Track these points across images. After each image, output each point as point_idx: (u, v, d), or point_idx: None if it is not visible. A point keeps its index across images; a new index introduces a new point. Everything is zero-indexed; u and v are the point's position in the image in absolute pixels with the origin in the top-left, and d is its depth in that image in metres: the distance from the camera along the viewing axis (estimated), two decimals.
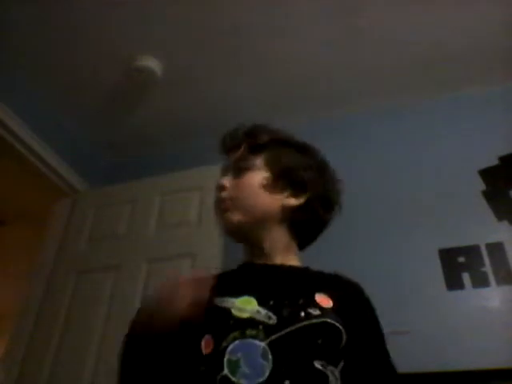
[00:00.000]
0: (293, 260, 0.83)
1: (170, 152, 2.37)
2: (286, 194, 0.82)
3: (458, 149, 1.86)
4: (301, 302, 0.69)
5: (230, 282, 0.78)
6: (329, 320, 0.68)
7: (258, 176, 0.82)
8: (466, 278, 1.57)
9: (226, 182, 0.85)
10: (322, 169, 0.89)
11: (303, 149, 0.91)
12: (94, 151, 2.41)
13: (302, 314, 0.67)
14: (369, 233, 1.76)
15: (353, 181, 1.91)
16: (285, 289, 0.73)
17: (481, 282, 1.54)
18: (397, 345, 1.36)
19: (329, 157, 2.26)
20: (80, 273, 1.89)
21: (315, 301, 0.70)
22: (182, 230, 1.81)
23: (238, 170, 0.85)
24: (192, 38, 1.86)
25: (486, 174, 1.75)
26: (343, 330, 0.68)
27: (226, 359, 0.62)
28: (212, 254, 1.70)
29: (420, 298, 1.56)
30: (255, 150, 0.86)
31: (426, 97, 2.04)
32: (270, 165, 0.84)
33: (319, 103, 2.14)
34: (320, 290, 0.72)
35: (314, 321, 0.67)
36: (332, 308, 0.70)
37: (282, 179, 0.82)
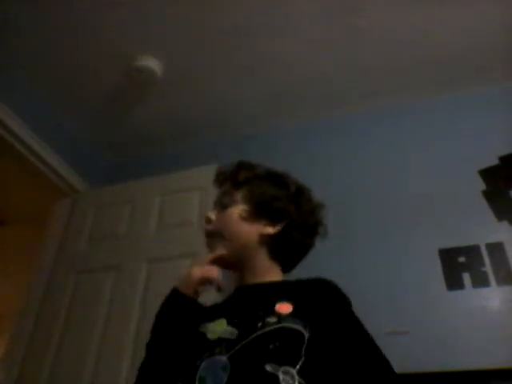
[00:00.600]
0: (275, 277, 0.91)
1: (170, 152, 2.37)
2: (263, 223, 0.91)
3: (457, 149, 1.86)
4: (261, 313, 0.77)
5: (212, 310, 0.88)
6: (285, 324, 0.73)
7: (238, 209, 0.92)
8: (466, 277, 1.57)
9: (212, 214, 0.95)
10: (297, 197, 0.97)
11: (278, 181, 0.99)
12: (94, 151, 2.41)
13: (260, 324, 0.74)
14: (369, 233, 1.76)
15: (353, 181, 1.93)
16: (249, 305, 0.81)
17: (481, 281, 1.54)
18: (397, 345, 1.37)
19: (329, 157, 2.27)
20: (80, 273, 1.89)
21: (274, 310, 0.77)
22: (182, 230, 1.81)
23: (222, 204, 0.95)
24: (192, 38, 1.86)
25: (486, 174, 1.75)
26: (303, 330, 0.73)
27: (197, 376, 0.73)
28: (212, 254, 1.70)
29: (420, 298, 1.56)
30: (236, 186, 0.96)
31: (425, 97, 2.04)
32: (248, 198, 0.94)
33: (319, 103, 2.14)
34: (282, 299, 0.79)
35: (269, 328, 0.73)
36: (291, 312, 0.76)
37: (258, 210, 0.92)
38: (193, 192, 1.90)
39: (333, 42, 1.86)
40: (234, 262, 0.91)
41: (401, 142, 1.98)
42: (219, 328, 0.78)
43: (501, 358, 1.36)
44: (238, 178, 0.96)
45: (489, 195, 1.70)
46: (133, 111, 2.22)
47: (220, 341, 0.76)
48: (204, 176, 1.92)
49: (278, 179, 0.99)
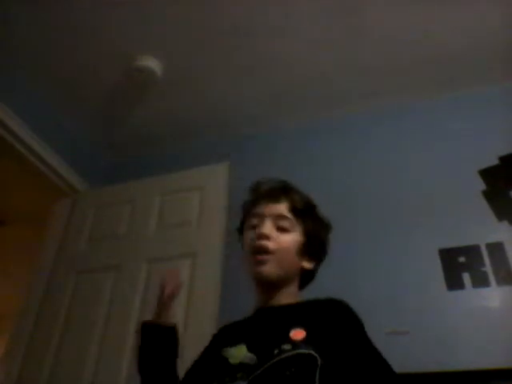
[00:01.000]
0: (291, 298, 0.95)
1: (170, 152, 2.37)
2: (306, 258, 0.97)
3: (457, 149, 1.86)
4: (277, 340, 0.80)
5: (233, 333, 0.93)
6: (299, 351, 0.76)
7: (296, 240, 0.96)
8: (466, 277, 1.56)
9: (271, 232, 0.94)
10: (327, 234, 1.03)
11: (325, 221, 1.04)
12: (94, 151, 2.41)
13: (276, 351, 0.78)
14: (369, 233, 1.76)
15: (353, 181, 1.93)
16: (266, 331, 0.85)
17: (481, 281, 1.54)
18: (397, 345, 1.37)
19: (329, 157, 2.27)
20: (80, 273, 1.89)
21: (289, 337, 0.80)
22: (182, 230, 1.81)
23: (280, 227, 0.96)
24: (192, 38, 1.86)
25: (486, 174, 1.75)
26: (316, 355, 0.76)
27: None
28: (212, 254, 1.70)
29: (420, 298, 1.56)
30: (296, 213, 0.98)
31: (425, 97, 2.04)
32: (306, 233, 0.97)
33: (319, 103, 2.14)
34: (296, 325, 0.82)
35: (285, 355, 0.77)
36: (304, 339, 0.79)
37: (309, 247, 0.97)
38: (193, 192, 1.90)
39: (333, 42, 1.86)
40: (271, 284, 0.94)
41: (401, 141, 1.98)
42: (240, 353, 0.82)
43: (501, 358, 1.36)
44: (297, 205, 0.98)
45: (489, 195, 1.70)
46: (133, 111, 2.22)
47: (241, 366, 0.80)
48: (204, 176, 1.92)
49: (325, 221, 1.04)
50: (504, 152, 1.76)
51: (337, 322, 0.83)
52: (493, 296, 1.52)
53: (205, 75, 2.03)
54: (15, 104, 1.89)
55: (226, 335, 0.94)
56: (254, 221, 0.97)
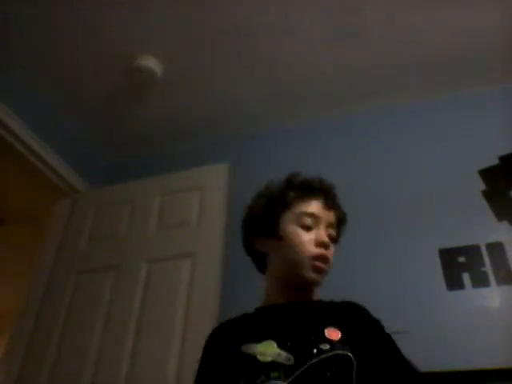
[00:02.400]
0: (315, 295, 0.95)
1: (170, 152, 2.37)
2: None
3: (457, 149, 1.86)
4: (313, 339, 0.78)
5: (251, 327, 0.88)
6: (338, 352, 0.76)
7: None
8: (466, 277, 1.56)
9: (327, 241, 0.93)
10: None
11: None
12: (94, 151, 2.41)
13: (315, 350, 0.76)
14: (369, 233, 1.76)
15: (353, 181, 1.93)
16: (298, 329, 0.82)
17: (481, 281, 1.54)
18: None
19: (329, 157, 2.27)
20: (80, 273, 1.89)
21: (325, 336, 0.79)
22: (182, 230, 1.81)
23: (331, 237, 0.96)
24: (192, 38, 1.86)
25: (486, 174, 1.75)
26: (352, 356, 0.76)
27: None
28: (212, 254, 1.70)
29: (420, 298, 1.56)
30: (340, 226, 1.00)
31: (425, 97, 2.05)
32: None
33: (319, 103, 2.14)
34: (329, 324, 0.82)
35: (325, 355, 0.75)
36: (340, 339, 0.78)
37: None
38: (193, 192, 1.90)
39: (333, 42, 1.86)
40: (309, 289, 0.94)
41: (401, 141, 1.98)
42: (270, 350, 0.78)
43: (501, 357, 1.36)
44: (342, 218, 1.00)
45: (489, 195, 1.70)
46: (133, 111, 2.22)
47: (275, 365, 0.76)
48: (204, 176, 1.92)
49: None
50: (504, 152, 1.76)
51: (365, 324, 0.85)
52: (493, 296, 1.52)
53: (205, 75, 2.03)
54: (15, 104, 1.89)
55: (240, 331, 0.88)
56: (309, 221, 0.93)
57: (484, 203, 1.69)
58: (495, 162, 1.76)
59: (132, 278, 1.77)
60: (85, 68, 2.00)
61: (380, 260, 1.69)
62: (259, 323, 0.88)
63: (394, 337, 0.89)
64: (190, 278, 1.67)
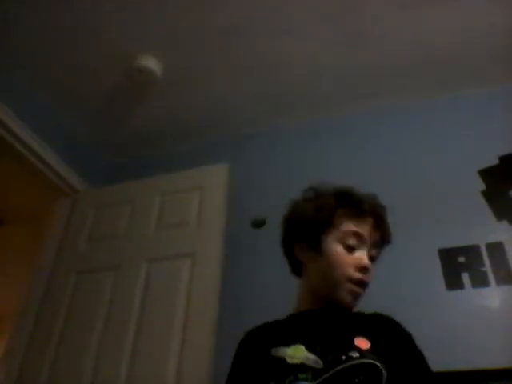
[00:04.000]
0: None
1: (170, 152, 2.37)
2: None
3: (457, 149, 1.86)
4: (342, 346, 0.80)
5: (282, 332, 0.90)
6: (367, 360, 0.77)
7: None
8: (465, 277, 1.56)
9: (371, 266, 0.94)
10: None
11: None
12: (94, 151, 2.41)
13: (344, 357, 0.77)
14: None
15: (353, 181, 1.92)
16: (329, 335, 0.84)
17: (480, 281, 1.54)
18: None
19: (329, 157, 2.27)
20: (80, 273, 1.89)
21: (354, 344, 0.80)
22: (181, 230, 1.81)
23: (372, 257, 0.96)
24: (192, 38, 1.86)
25: (485, 173, 1.75)
26: (382, 367, 0.76)
27: None
28: (212, 254, 1.70)
29: (420, 297, 1.56)
30: (383, 246, 0.99)
31: (425, 97, 2.04)
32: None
33: (319, 103, 2.14)
34: (359, 333, 0.82)
35: (353, 362, 0.76)
36: (370, 349, 0.79)
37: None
38: (193, 192, 1.90)
39: (333, 42, 1.86)
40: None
41: (401, 142, 1.98)
42: (299, 353, 0.80)
43: (501, 357, 1.36)
44: (387, 238, 0.98)
45: (488, 195, 1.70)
46: (133, 111, 2.22)
47: (303, 367, 0.78)
48: (204, 176, 1.92)
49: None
50: (504, 152, 1.76)
51: (395, 336, 0.85)
52: (492, 296, 1.52)
53: (205, 75, 2.03)
54: (15, 104, 1.89)
55: (271, 335, 0.90)
56: (353, 241, 0.92)
57: (484, 203, 1.69)
58: (495, 162, 1.76)
59: (132, 278, 1.77)
60: (85, 68, 2.00)
61: (380, 260, 1.68)
62: (290, 328, 0.90)
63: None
64: (189, 278, 1.67)
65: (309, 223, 0.96)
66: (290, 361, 0.80)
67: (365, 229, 0.93)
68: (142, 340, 1.61)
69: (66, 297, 1.84)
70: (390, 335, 0.86)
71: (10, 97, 1.89)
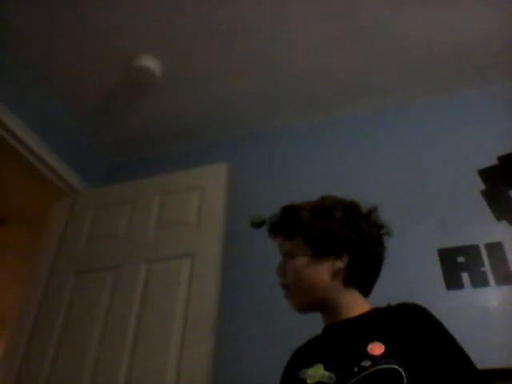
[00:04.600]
0: (360, 307, 0.92)
1: (170, 152, 2.37)
2: (330, 260, 0.92)
3: (457, 149, 1.86)
4: (355, 356, 0.78)
5: (307, 354, 0.92)
6: (382, 367, 0.75)
7: (301, 256, 0.93)
8: (465, 277, 1.56)
9: (278, 270, 0.99)
10: (348, 218, 0.95)
11: (322, 213, 0.97)
12: (94, 151, 2.41)
13: (356, 369, 0.76)
14: None
15: (353, 181, 1.93)
16: (342, 348, 0.84)
17: (480, 281, 1.54)
18: None
19: (329, 157, 2.27)
20: (80, 273, 1.89)
21: (367, 352, 0.78)
22: (181, 230, 1.81)
23: (286, 254, 0.97)
24: (191, 38, 1.86)
25: (485, 173, 1.75)
26: (400, 369, 0.73)
27: None
28: (212, 254, 1.70)
29: (419, 297, 1.55)
30: (290, 235, 0.97)
31: (425, 97, 2.05)
32: (305, 244, 0.94)
33: (319, 103, 2.14)
34: (373, 339, 0.80)
35: (366, 372, 0.75)
36: (384, 353, 0.76)
37: (318, 251, 0.93)
38: (193, 192, 1.90)
39: (333, 41, 1.86)
40: (314, 309, 0.95)
41: (400, 141, 1.98)
42: (317, 373, 0.82)
43: (501, 357, 1.36)
44: (289, 229, 0.98)
45: (488, 195, 1.70)
46: (133, 111, 2.22)
47: None
48: (204, 176, 1.92)
49: (321, 212, 0.97)
50: (503, 152, 1.76)
51: (415, 330, 0.81)
52: (492, 296, 1.52)
53: (204, 75, 2.03)
54: (15, 104, 1.89)
55: (301, 357, 0.95)
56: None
57: (483, 203, 1.69)
58: (494, 162, 1.76)
59: (131, 278, 1.77)
60: (85, 68, 2.00)
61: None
62: (314, 348, 0.93)
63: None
64: (189, 278, 1.67)
65: None
66: (309, 381, 0.82)
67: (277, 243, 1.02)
68: (141, 340, 1.61)
69: (66, 297, 1.84)
70: (409, 330, 0.81)
71: (10, 97, 1.89)
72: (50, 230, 2.11)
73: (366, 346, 0.79)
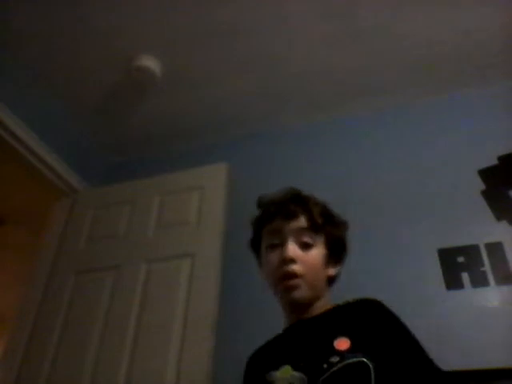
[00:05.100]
0: (327, 304, 0.94)
1: (170, 152, 2.37)
2: (330, 265, 0.97)
3: (457, 149, 1.86)
4: (322, 353, 0.79)
5: (270, 356, 0.91)
6: (349, 361, 0.76)
7: (321, 253, 0.93)
8: (465, 277, 1.56)
9: (295, 254, 0.90)
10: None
11: (343, 224, 1.02)
12: (94, 151, 2.41)
13: (325, 365, 0.77)
14: (368, 233, 1.76)
15: (353, 181, 1.93)
16: (308, 347, 0.84)
17: (480, 281, 1.54)
18: None
19: (329, 157, 2.27)
20: (80, 273, 1.89)
21: (334, 348, 0.79)
22: (181, 230, 1.81)
23: (304, 244, 0.92)
24: (191, 38, 1.86)
25: (485, 173, 1.75)
26: (367, 362, 0.76)
27: None
28: (211, 254, 1.70)
29: (419, 297, 1.56)
30: (316, 228, 0.94)
31: (425, 97, 2.05)
32: (329, 243, 0.96)
33: (319, 103, 2.14)
34: (338, 334, 0.81)
35: (335, 368, 0.76)
36: (350, 348, 0.78)
37: (332, 255, 0.96)
38: (192, 192, 1.90)
39: (333, 41, 1.86)
40: (305, 304, 0.92)
41: (400, 141, 1.98)
42: (286, 375, 0.81)
43: (501, 358, 1.36)
44: (316, 217, 0.94)
45: (488, 195, 1.70)
46: (133, 111, 2.22)
47: None
48: (204, 176, 1.92)
49: (340, 221, 1.02)
50: (503, 152, 1.76)
51: (377, 324, 0.83)
52: (492, 296, 1.52)
53: (204, 75, 2.03)
54: (15, 104, 1.89)
55: (264, 359, 0.93)
56: (274, 239, 0.94)
57: (483, 203, 1.69)
58: (494, 161, 1.76)
59: (131, 278, 1.77)
60: (85, 68, 2.00)
61: (380, 260, 1.69)
62: (278, 349, 0.91)
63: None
64: (189, 278, 1.67)
65: (250, 239, 1.04)
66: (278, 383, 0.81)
67: (278, 223, 0.94)
68: (141, 340, 1.61)
69: (66, 297, 1.84)
70: (372, 324, 0.83)
71: (10, 97, 1.89)
72: (49, 230, 2.11)
73: (332, 342, 0.80)
